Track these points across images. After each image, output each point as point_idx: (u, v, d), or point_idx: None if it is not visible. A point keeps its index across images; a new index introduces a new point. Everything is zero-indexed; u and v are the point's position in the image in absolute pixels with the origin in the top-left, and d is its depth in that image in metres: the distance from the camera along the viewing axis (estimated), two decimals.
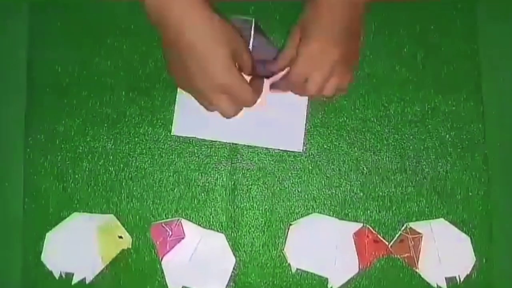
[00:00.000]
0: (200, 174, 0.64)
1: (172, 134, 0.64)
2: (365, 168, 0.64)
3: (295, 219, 0.64)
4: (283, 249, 0.63)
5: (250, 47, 0.61)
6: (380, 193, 0.64)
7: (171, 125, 0.64)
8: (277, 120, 0.64)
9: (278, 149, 0.64)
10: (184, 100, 0.64)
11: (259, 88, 0.59)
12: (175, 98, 0.64)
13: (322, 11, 0.57)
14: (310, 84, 0.58)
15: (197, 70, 0.54)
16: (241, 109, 0.58)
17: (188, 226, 0.63)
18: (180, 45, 0.54)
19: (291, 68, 0.58)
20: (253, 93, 0.56)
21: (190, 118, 0.64)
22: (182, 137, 0.64)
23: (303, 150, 0.64)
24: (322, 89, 0.58)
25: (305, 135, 0.64)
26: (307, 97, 0.64)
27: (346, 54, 0.58)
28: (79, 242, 0.62)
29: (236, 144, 0.64)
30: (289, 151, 0.64)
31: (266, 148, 0.64)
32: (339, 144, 0.65)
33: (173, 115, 0.64)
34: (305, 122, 0.64)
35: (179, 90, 0.64)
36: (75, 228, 0.63)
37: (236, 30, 0.56)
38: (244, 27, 0.62)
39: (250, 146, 0.64)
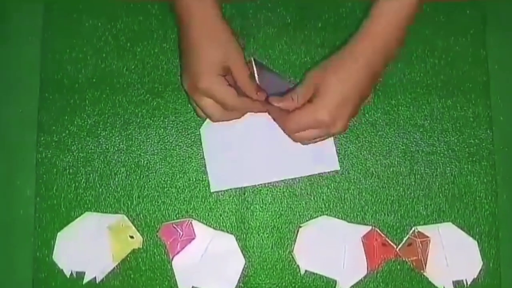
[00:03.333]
0: None
1: (212, 191, 0.64)
2: (374, 172, 0.65)
3: (305, 221, 0.64)
4: (292, 251, 0.64)
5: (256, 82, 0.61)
6: (389, 197, 0.65)
7: (183, 127, 0.65)
8: (304, 147, 0.63)
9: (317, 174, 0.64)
10: (212, 158, 0.64)
11: (250, 102, 0.59)
12: (187, 101, 0.65)
13: (347, 57, 0.57)
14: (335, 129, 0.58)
15: (187, 68, 0.58)
16: (231, 116, 0.59)
17: (199, 227, 0.63)
18: (182, 37, 0.58)
19: (308, 114, 0.57)
20: (238, 99, 0.57)
21: (222, 172, 0.64)
22: (220, 191, 0.64)
23: (341, 168, 0.64)
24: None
25: (337, 152, 0.64)
26: None
27: (367, 93, 0.59)
28: (90, 242, 0.63)
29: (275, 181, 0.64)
30: (327, 172, 0.64)
31: None
32: (348, 147, 0.65)
33: (179, 116, 0.65)
34: (332, 140, 0.64)
35: (204, 150, 0.64)
36: (87, 227, 0.63)
37: (235, 36, 0.58)
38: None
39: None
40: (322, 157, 0.64)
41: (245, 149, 0.64)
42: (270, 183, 0.64)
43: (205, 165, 0.64)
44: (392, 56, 0.59)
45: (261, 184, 0.64)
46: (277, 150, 0.64)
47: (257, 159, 0.64)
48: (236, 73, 0.58)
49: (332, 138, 0.64)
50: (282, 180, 0.64)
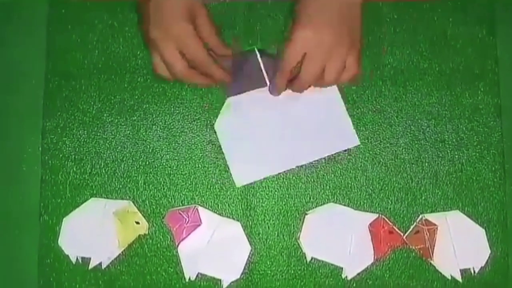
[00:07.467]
0: (216, 162, 0.64)
1: (237, 186, 0.63)
2: (381, 159, 0.64)
3: (311, 208, 0.64)
4: (299, 238, 0.63)
5: (264, 75, 0.62)
6: (396, 184, 0.64)
7: (189, 113, 0.64)
8: (321, 127, 0.64)
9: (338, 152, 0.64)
10: (232, 153, 0.63)
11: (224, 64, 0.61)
12: (194, 87, 0.65)
13: None
14: (304, 73, 0.58)
15: (155, 18, 0.58)
16: (191, 75, 0.59)
17: (205, 213, 0.63)
18: None
19: (285, 59, 0.58)
20: (204, 50, 0.58)
21: (244, 166, 0.63)
22: (245, 185, 0.64)
23: (360, 143, 0.64)
24: (319, 77, 0.59)
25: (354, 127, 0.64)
26: (338, 93, 0.64)
27: (342, 39, 0.58)
28: (96, 227, 0.63)
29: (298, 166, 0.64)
30: (348, 149, 0.64)
31: None
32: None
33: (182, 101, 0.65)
34: (348, 116, 0.64)
35: (222, 146, 0.64)
36: (92, 213, 0.63)
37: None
38: (250, 59, 0.63)
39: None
40: (341, 135, 0.64)
41: (263, 139, 0.64)
42: None
43: (211, 151, 0.64)
44: None
45: None
46: (294, 135, 0.64)
47: (276, 147, 0.64)
48: (202, 24, 0.59)
49: (347, 115, 0.64)
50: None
